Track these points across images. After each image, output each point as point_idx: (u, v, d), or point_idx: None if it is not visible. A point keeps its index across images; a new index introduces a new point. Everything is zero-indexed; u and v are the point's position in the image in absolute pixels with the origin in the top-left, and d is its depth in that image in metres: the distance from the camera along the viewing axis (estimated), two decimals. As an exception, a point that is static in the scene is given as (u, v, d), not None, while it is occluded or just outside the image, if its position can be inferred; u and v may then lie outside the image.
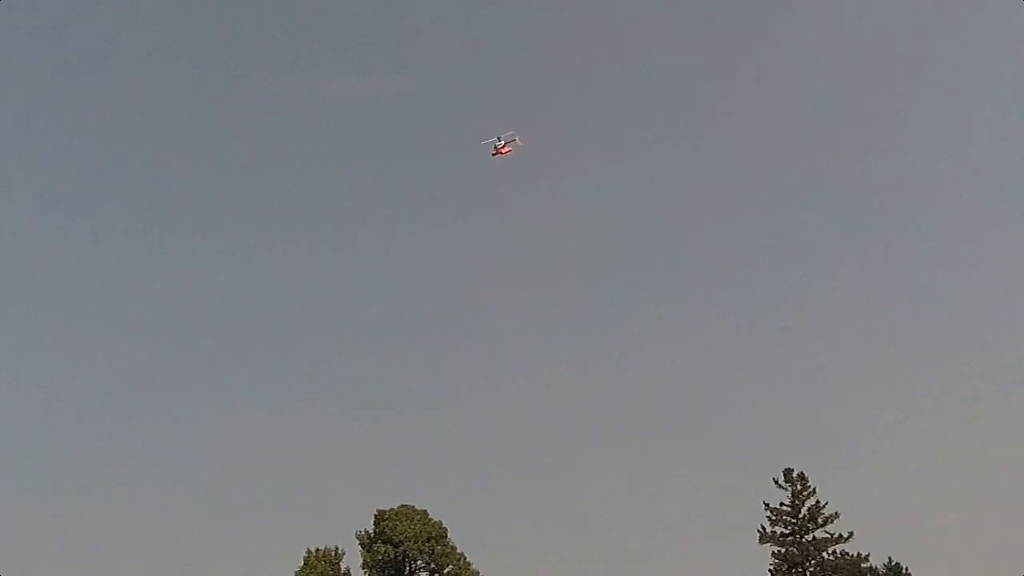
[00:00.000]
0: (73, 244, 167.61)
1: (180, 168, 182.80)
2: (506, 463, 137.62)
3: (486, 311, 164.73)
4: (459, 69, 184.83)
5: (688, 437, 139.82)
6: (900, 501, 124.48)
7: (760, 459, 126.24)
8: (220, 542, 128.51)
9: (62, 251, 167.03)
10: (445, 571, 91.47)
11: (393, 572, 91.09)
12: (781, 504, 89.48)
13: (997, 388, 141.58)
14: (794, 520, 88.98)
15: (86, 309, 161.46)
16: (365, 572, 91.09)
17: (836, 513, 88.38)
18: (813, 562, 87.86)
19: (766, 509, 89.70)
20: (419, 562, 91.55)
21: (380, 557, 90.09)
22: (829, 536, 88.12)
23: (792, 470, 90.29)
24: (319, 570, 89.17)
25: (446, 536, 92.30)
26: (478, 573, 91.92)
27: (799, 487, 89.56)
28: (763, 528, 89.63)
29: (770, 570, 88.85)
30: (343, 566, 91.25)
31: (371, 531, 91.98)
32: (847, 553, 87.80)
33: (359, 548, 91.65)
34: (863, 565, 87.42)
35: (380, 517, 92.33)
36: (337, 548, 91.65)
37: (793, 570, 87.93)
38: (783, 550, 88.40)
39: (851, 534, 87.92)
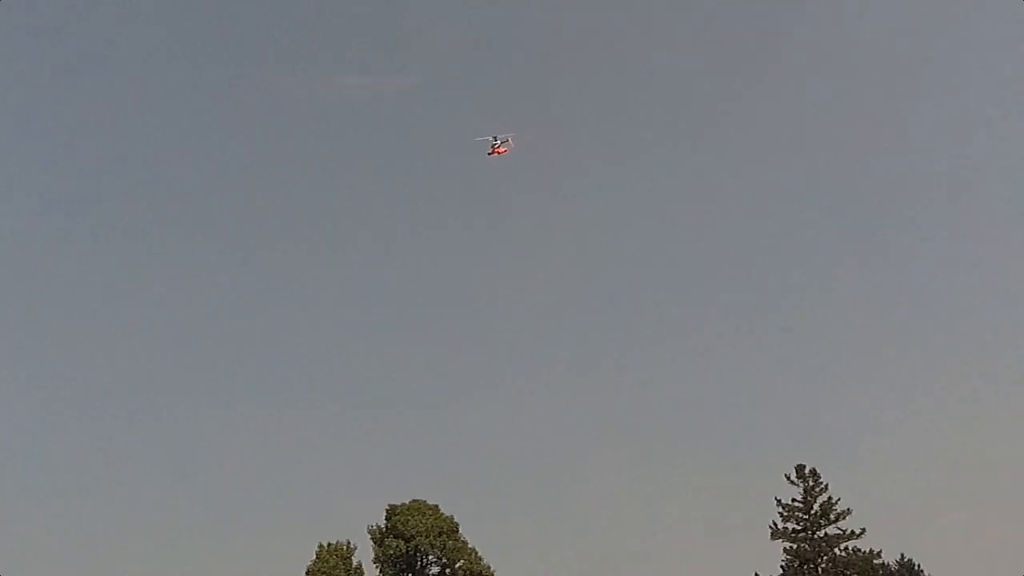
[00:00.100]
0: (73, 244, 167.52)
1: (180, 168, 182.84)
2: (507, 463, 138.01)
3: (486, 311, 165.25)
4: (459, 69, 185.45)
5: (688, 437, 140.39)
6: (912, 499, 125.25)
7: (760, 459, 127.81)
8: (234, 537, 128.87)
9: (62, 251, 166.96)
10: (456, 566, 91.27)
11: (405, 566, 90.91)
12: (793, 500, 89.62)
13: (1008, 387, 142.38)
14: (806, 516, 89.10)
15: (86, 309, 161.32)
16: (377, 566, 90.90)
17: (848, 509, 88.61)
18: (825, 558, 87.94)
19: (778, 505, 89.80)
20: (431, 556, 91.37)
21: (392, 551, 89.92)
22: (841, 532, 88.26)
23: (804, 466, 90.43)
24: (331, 564, 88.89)
25: (458, 531, 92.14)
26: (489, 568, 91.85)
27: (811, 483, 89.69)
28: (775, 524, 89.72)
29: (782, 566, 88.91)
30: (355, 560, 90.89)
31: (383, 526, 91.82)
32: (859, 549, 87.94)
33: (371, 542, 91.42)
34: (875, 561, 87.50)
35: (392, 512, 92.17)
36: (349, 542, 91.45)
37: (805, 566, 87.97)
38: (795, 546, 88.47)
39: (863, 530, 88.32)
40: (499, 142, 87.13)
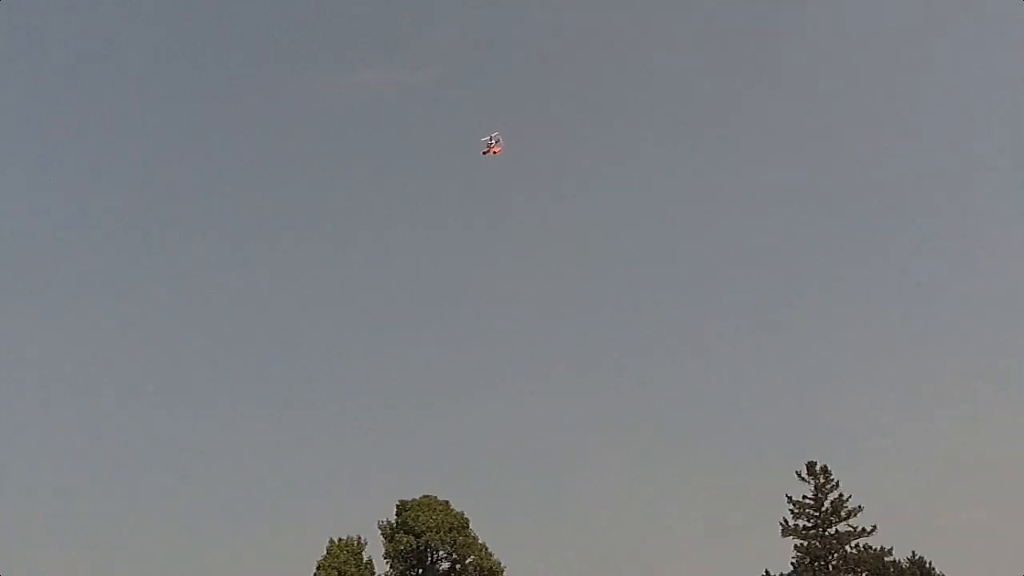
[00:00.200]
0: (73, 244, 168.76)
1: (180, 168, 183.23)
2: (515, 460, 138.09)
3: (487, 310, 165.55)
4: (460, 68, 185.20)
5: (689, 437, 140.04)
6: (923, 496, 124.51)
7: (762, 458, 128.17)
8: (246, 533, 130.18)
9: (62, 250, 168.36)
10: (467, 561, 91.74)
11: (415, 562, 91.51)
12: (804, 497, 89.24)
13: (1019, 384, 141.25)
14: (817, 513, 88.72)
15: (86, 308, 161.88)
16: (387, 562, 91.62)
17: (859, 507, 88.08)
18: (836, 555, 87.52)
19: (789, 502, 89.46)
20: (441, 552, 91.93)
21: (402, 547, 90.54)
22: (852, 530, 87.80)
23: (815, 463, 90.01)
24: (342, 559, 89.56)
25: (468, 526, 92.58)
26: (499, 563, 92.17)
27: (822, 480, 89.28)
28: (785, 521, 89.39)
29: (792, 563, 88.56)
30: (365, 556, 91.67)
31: (393, 521, 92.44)
32: (870, 547, 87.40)
33: (381, 538, 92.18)
34: (886, 559, 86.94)
35: (402, 507, 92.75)
36: (360, 538, 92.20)
37: (816, 563, 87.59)
38: (806, 543, 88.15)
39: (874, 528, 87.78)
40: (493, 141, 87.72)
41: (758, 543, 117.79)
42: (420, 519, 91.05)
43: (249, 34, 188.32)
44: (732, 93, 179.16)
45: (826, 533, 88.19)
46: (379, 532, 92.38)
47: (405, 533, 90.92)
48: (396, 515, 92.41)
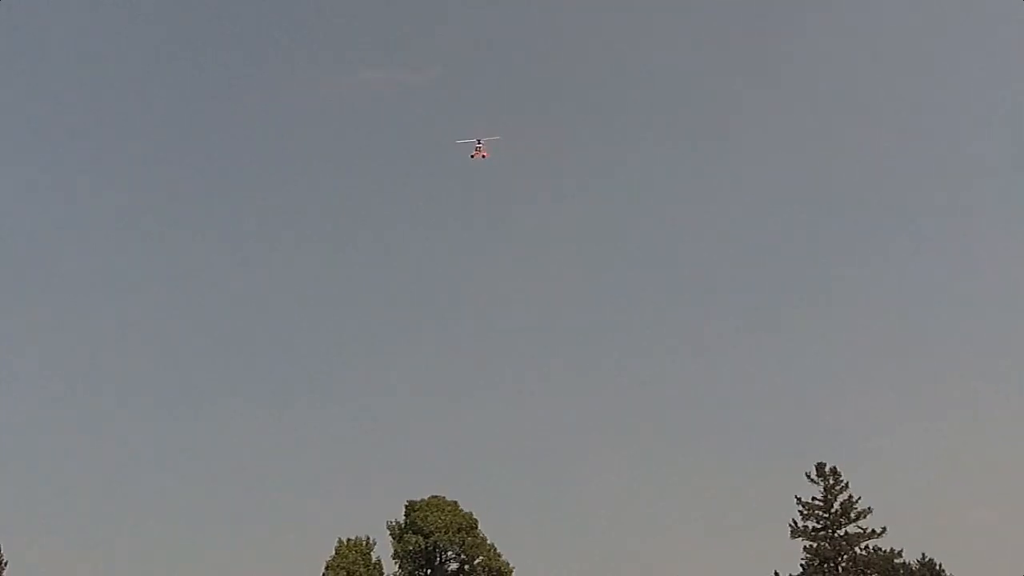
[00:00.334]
0: (73, 244, 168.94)
1: (180, 167, 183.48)
2: (508, 463, 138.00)
3: (487, 310, 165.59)
4: (460, 69, 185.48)
5: (688, 437, 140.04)
6: (934, 497, 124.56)
7: (760, 459, 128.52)
8: (255, 533, 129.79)
9: (62, 250, 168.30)
10: (475, 562, 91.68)
11: (424, 562, 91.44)
12: (813, 499, 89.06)
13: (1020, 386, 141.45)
14: (826, 515, 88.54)
15: (86, 309, 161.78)
16: (396, 562, 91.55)
17: (869, 508, 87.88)
18: (845, 557, 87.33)
19: (798, 503, 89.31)
20: (449, 552, 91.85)
21: (411, 547, 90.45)
22: (862, 531, 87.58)
23: (824, 464, 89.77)
24: (350, 559, 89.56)
25: (476, 527, 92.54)
26: (508, 564, 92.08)
27: (831, 481, 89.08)
28: (795, 523, 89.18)
29: (802, 564, 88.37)
30: (374, 556, 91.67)
31: (402, 521, 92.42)
32: (880, 548, 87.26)
33: (390, 538, 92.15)
34: (896, 561, 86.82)
35: (411, 508, 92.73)
36: (369, 538, 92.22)
37: (825, 565, 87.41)
38: (815, 545, 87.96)
39: (884, 529, 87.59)
40: (481, 145, 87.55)
41: (758, 543, 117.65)
42: (429, 519, 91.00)
43: (249, 34, 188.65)
44: (732, 93, 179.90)
45: (835, 535, 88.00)
46: (388, 532, 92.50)
47: (414, 533, 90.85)
48: (405, 515, 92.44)
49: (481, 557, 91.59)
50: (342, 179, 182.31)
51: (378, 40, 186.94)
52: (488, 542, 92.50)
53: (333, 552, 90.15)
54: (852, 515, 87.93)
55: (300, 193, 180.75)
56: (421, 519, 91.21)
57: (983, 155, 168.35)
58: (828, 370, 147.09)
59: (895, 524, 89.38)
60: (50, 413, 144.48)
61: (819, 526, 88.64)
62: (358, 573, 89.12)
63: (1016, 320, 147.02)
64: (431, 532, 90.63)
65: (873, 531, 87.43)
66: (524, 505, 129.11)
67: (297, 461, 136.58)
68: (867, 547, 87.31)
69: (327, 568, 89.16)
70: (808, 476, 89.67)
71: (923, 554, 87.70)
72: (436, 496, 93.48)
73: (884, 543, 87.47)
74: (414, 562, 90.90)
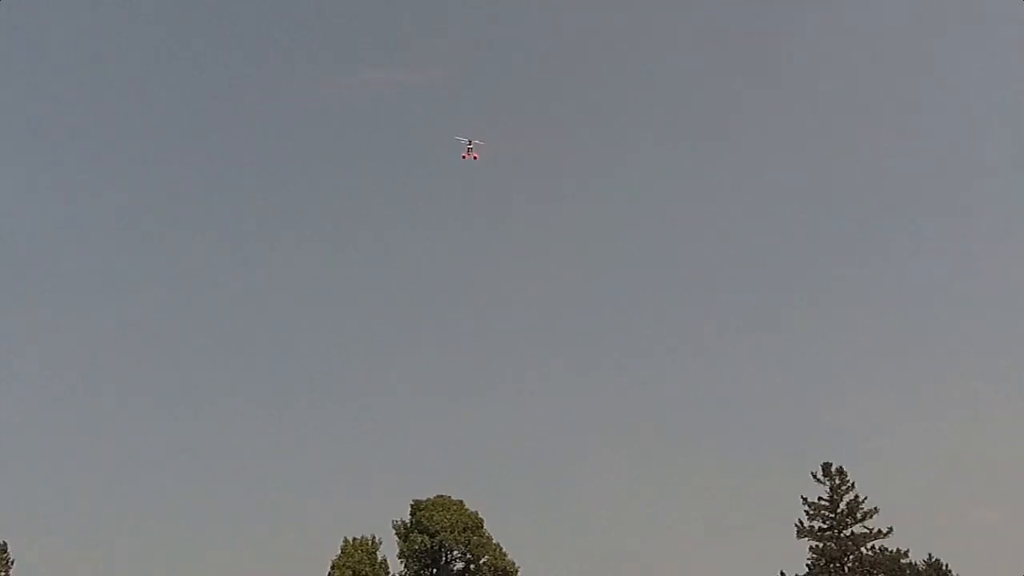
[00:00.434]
0: (73, 244, 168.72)
1: (180, 168, 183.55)
2: (508, 462, 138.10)
3: (487, 310, 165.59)
4: (461, 69, 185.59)
5: (688, 437, 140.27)
6: (940, 497, 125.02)
7: (761, 459, 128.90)
8: (255, 532, 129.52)
9: (62, 250, 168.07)
10: (481, 561, 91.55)
11: (429, 561, 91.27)
12: (819, 499, 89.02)
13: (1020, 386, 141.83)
14: (832, 515, 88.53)
15: (86, 309, 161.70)
16: (401, 561, 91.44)
17: (875, 508, 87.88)
18: (851, 557, 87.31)
19: (804, 503, 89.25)
20: (455, 552, 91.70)
21: (416, 546, 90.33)
22: (868, 531, 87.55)
23: (830, 464, 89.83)
24: (356, 559, 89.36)
25: (482, 526, 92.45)
26: (514, 564, 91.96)
27: (837, 482, 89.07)
28: (801, 523, 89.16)
29: (808, 565, 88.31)
30: (380, 555, 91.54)
31: (407, 521, 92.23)
32: (886, 549, 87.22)
33: (396, 537, 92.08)
34: (902, 561, 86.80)
35: (416, 507, 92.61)
36: (374, 537, 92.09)
37: (831, 565, 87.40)
38: (821, 545, 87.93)
39: (890, 529, 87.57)
40: (472, 146, 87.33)
41: (759, 543, 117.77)
42: (434, 519, 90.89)
43: (249, 34, 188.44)
44: (732, 93, 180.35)
45: (842, 535, 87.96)
46: (393, 532, 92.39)
47: (419, 533, 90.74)
48: (411, 515, 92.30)
49: (487, 556, 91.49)
50: (342, 179, 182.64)
51: (378, 40, 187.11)
52: (494, 541, 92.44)
53: (339, 551, 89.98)
54: (858, 515, 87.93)
55: (300, 193, 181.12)
56: (427, 518, 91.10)
57: (983, 155, 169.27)
58: (828, 370, 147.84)
59: (896, 524, 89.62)
60: (50, 413, 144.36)
61: (825, 526, 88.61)
62: (364, 572, 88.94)
63: (1016, 320, 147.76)
64: (437, 531, 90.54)
65: (879, 531, 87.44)
66: (525, 505, 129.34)
67: (297, 461, 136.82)
68: (873, 547, 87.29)
69: (333, 567, 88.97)
70: (814, 476, 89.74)
71: (929, 554, 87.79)
72: (442, 495, 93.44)
73: (890, 543, 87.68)
74: (420, 561, 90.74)
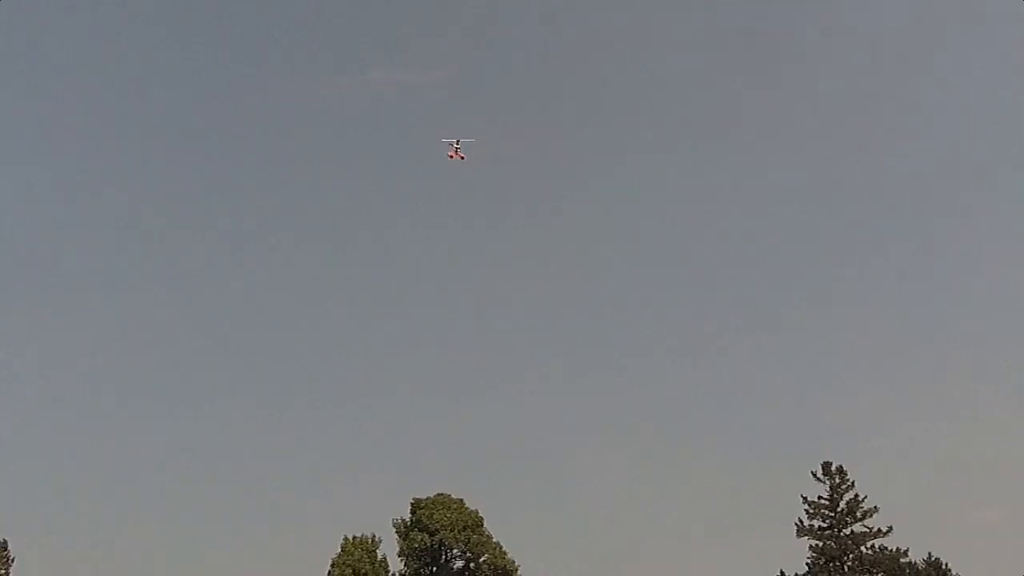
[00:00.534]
0: (73, 244, 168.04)
1: (180, 168, 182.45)
2: (508, 462, 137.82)
3: (487, 310, 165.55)
4: (460, 69, 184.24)
5: (688, 437, 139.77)
6: (940, 496, 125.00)
7: (761, 459, 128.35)
8: (260, 530, 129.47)
9: (62, 250, 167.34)
10: (481, 560, 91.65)
11: (429, 560, 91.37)
12: (819, 498, 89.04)
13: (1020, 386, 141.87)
14: (832, 514, 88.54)
15: (86, 309, 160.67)
16: (401, 560, 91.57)
17: (875, 507, 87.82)
18: (851, 556, 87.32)
19: (804, 502, 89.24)
20: (455, 550, 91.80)
21: (416, 545, 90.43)
22: (868, 530, 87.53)
23: (830, 463, 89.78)
24: (356, 557, 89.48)
25: (482, 525, 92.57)
26: (514, 562, 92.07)
27: (837, 481, 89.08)
28: (800, 521, 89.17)
29: (807, 564, 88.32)
30: (380, 553, 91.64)
31: (407, 519, 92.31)
32: (886, 548, 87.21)
33: (395, 536, 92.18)
34: (902, 560, 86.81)
35: (416, 505, 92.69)
36: (374, 536, 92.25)
37: (831, 564, 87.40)
38: (821, 544, 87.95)
39: (890, 528, 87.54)
40: (459, 145, 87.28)
41: (759, 543, 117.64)
42: (434, 517, 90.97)
43: (249, 34, 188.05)
44: (732, 93, 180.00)
45: (841, 534, 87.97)
46: (393, 530, 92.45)
47: (419, 531, 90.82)
48: (411, 513, 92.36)
49: (487, 555, 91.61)
50: (342, 179, 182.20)
51: (378, 40, 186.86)
52: (494, 540, 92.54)
53: (339, 550, 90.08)
54: (858, 514, 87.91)
55: (300, 193, 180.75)
56: (427, 517, 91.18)
57: (983, 155, 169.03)
58: (828, 370, 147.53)
59: (896, 523, 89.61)
60: (50, 413, 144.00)
61: (825, 525, 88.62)
62: (364, 571, 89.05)
63: (1016, 320, 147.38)
64: (437, 530, 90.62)
65: (879, 530, 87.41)
66: (525, 503, 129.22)
67: (297, 460, 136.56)
68: (873, 546, 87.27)
69: (333, 566, 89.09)
70: (814, 475, 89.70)
71: (929, 553, 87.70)
72: (442, 494, 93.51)
73: (890, 542, 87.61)
74: (420, 560, 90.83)
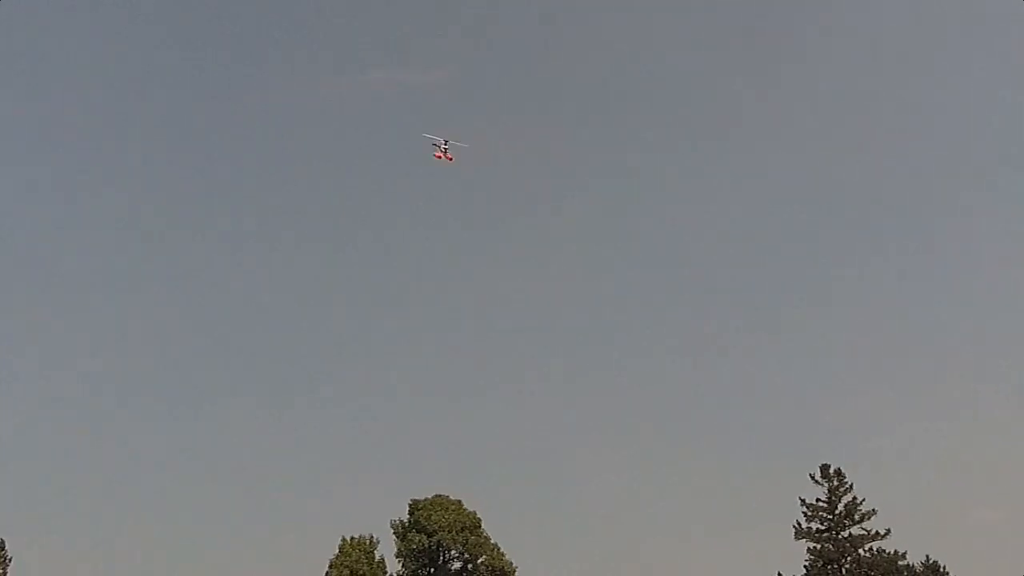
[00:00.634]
0: (73, 244, 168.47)
1: (180, 168, 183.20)
2: (508, 462, 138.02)
3: (487, 310, 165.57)
4: (460, 69, 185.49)
5: (688, 437, 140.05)
6: (938, 499, 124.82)
7: (761, 459, 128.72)
8: (259, 530, 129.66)
9: (62, 250, 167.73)
10: (479, 561, 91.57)
11: (427, 561, 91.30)
12: (817, 500, 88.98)
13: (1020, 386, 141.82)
14: (830, 516, 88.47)
15: (87, 308, 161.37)
16: (399, 561, 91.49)
17: (873, 510, 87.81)
18: (849, 559, 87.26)
19: (802, 505, 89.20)
20: (453, 551, 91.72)
21: (414, 546, 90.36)
22: (866, 533, 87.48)
23: (828, 466, 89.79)
24: (354, 558, 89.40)
25: (480, 526, 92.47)
26: (512, 564, 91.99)
27: (835, 483, 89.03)
28: (799, 524, 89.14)
29: (806, 566, 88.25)
30: (378, 554, 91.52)
31: (405, 520, 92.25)
32: (884, 550, 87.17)
33: (393, 537, 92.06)
34: (900, 563, 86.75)
35: (414, 506, 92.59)
36: (372, 537, 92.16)
37: (829, 566, 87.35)
38: (819, 546, 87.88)
39: (888, 531, 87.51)
40: (447, 146, 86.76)
41: (758, 543, 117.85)
42: (433, 518, 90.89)
43: (249, 34, 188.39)
44: (732, 93, 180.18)
45: (839, 536, 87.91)
46: (391, 531, 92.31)
47: (417, 532, 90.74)
48: (409, 514, 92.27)
49: (485, 556, 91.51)
50: (342, 179, 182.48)
51: (378, 40, 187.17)
52: (491, 541, 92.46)
53: (337, 551, 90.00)
54: (856, 517, 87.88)
55: (300, 193, 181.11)
56: (425, 518, 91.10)
57: (983, 155, 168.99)
58: (828, 370, 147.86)
59: (895, 524, 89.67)
60: (50, 413, 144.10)
61: (823, 527, 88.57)
62: (362, 572, 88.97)
63: (1016, 320, 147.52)
64: (435, 531, 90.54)
65: (877, 533, 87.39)
66: (523, 504, 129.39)
67: (297, 461, 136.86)
68: (871, 549, 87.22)
69: (331, 567, 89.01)
70: (812, 477, 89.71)
71: (927, 556, 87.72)
72: (440, 495, 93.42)
73: (888, 545, 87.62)
74: (418, 561, 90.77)
